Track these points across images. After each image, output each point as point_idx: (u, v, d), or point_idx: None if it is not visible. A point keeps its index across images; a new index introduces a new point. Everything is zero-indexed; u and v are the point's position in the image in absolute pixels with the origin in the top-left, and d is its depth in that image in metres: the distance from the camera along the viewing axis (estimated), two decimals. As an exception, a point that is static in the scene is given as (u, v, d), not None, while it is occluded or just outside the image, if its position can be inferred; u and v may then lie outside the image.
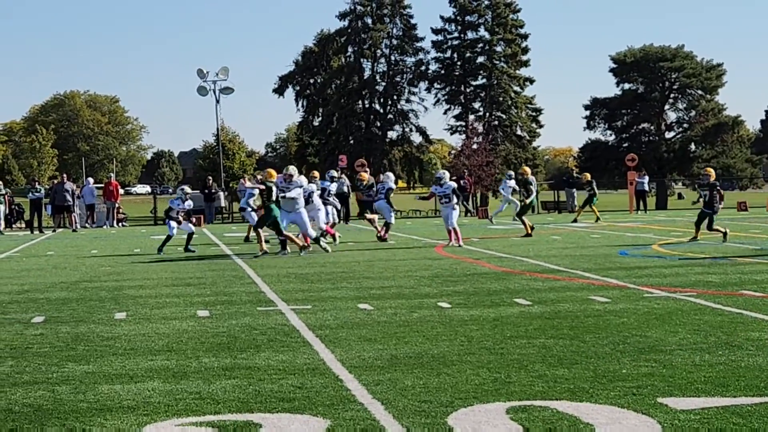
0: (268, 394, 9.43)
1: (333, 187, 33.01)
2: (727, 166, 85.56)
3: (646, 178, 56.38)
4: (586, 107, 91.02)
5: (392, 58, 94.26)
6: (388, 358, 11.14)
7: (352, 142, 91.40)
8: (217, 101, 65.82)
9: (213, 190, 53.29)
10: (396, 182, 30.46)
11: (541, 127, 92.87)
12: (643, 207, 54.55)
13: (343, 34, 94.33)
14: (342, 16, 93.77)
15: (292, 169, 27.14)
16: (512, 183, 42.20)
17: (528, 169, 33.43)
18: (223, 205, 57.21)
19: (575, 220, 43.12)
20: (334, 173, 35.15)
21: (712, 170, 28.86)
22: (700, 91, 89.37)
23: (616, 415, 8.39)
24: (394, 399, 9.12)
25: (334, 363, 10.90)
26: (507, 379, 9.89)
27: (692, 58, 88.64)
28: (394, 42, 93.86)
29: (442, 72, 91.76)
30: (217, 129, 73.58)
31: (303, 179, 27.91)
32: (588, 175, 46.97)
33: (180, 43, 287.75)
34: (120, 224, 52.36)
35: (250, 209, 31.29)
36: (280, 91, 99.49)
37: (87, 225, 50.73)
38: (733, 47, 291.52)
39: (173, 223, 28.25)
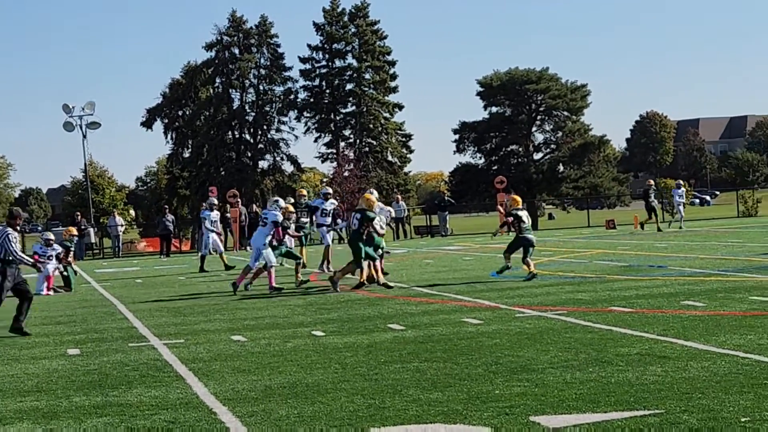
0: (140, 431, 9.30)
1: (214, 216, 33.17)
2: (595, 185, 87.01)
3: (516, 200, 56.88)
4: (455, 131, 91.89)
5: (261, 87, 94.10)
6: (262, 389, 11.08)
7: (223, 173, 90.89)
8: (84, 136, 64.86)
9: (82, 226, 52.48)
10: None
11: (411, 152, 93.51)
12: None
13: (210, 65, 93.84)
14: (209, 47, 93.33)
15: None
16: (681, 192, 45.88)
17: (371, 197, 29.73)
18: (93, 241, 56.35)
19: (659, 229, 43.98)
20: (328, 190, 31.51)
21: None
22: (566, 113, 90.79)
23: (489, 435, 8.44)
24: (269, 430, 9.08)
25: (207, 396, 10.81)
26: (381, 404, 9.89)
27: (557, 80, 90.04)
28: (262, 72, 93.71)
29: (311, 100, 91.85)
30: (85, 164, 72.47)
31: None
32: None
33: (44, 77, 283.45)
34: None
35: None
36: (148, 124, 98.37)
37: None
38: (596, 68, 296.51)
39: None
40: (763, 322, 14.25)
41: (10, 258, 17.23)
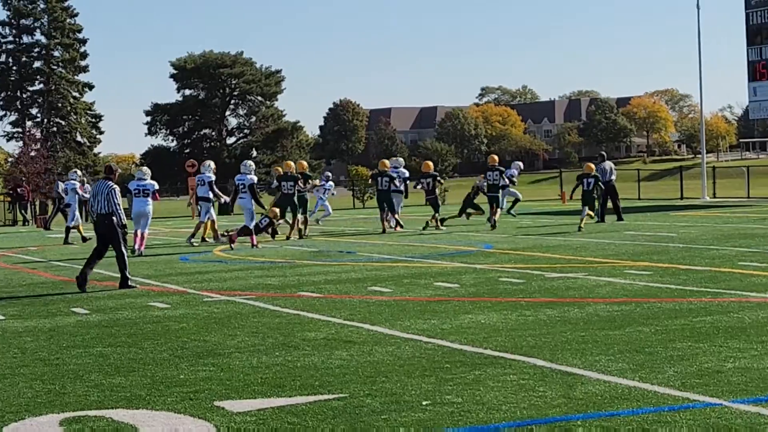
0: None
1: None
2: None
3: (208, 184, 56.73)
4: (147, 113, 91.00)
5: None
6: (-66, 375, 10.57)
7: None
8: None
9: None
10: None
11: (101, 133, 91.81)
12: (205, 212, 54.58)
13: None
14: None
15: None
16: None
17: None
18: None
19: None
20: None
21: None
22: (260, 98, 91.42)
23: (172, 420, 8.31)
24: (-61, 418, 8.66)
25: None
26: (62, 390, 9.60)
27: (252, 64, 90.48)
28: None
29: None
30: None
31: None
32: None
33: None
34: None
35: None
36: None
37: None
38: (291, 54, 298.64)
39: None
40: (446, 307, 14.61)
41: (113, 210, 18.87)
